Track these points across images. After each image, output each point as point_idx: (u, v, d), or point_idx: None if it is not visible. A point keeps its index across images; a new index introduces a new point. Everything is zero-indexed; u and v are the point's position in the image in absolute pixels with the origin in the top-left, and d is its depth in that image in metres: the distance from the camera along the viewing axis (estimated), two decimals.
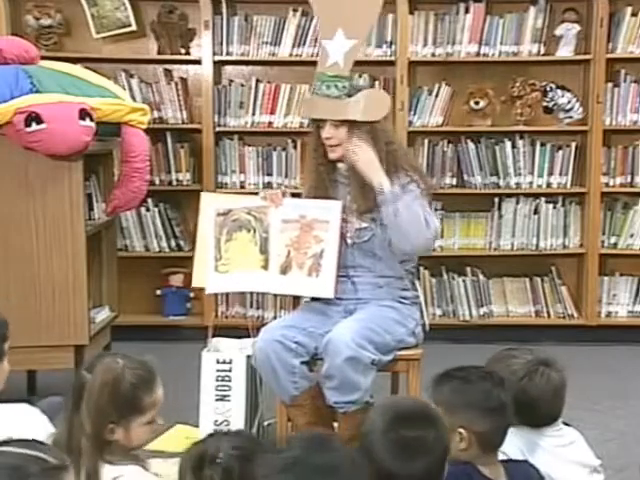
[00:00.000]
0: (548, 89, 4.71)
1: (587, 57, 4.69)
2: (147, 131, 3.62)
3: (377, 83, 4.70)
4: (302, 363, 2.82)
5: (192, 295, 4.82)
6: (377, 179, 2.82)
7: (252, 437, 1.79)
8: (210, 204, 3.07)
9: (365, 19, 2.97)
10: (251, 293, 4.76)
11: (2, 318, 2.36)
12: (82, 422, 1.92)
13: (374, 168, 2.83)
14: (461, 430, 1.92)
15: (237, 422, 3.04)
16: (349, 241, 2.93)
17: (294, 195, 3.12)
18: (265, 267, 2.97)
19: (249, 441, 1.72)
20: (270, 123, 4.77)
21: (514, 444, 2.11)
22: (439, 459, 1.72)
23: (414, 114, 4.74)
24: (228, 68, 4.93)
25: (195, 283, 3.14)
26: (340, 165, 3.00)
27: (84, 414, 1.92)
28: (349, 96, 2.89)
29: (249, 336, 3.13)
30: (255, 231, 2.99)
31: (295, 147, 4.79)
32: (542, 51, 4.74)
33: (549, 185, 4.81)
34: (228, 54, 4.74)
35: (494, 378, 2.00)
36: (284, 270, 2.94)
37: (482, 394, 1.95)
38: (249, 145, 4.83)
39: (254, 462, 1.60)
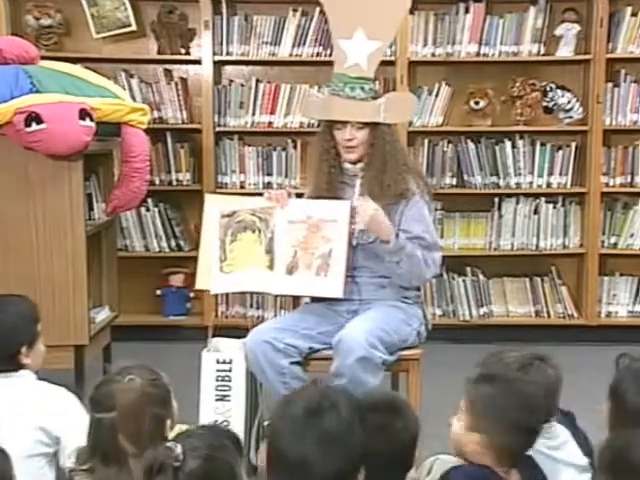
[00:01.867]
0: (548, 89, 4.70)
1: (587, 57, 4.69)
2: (147, 131, 3.62)
3: (377, 83, 4.69)
4: (293, 364, 2.82)
5: (192, 295, 4.82)
6: (385, 233, 2.85)
7: (217, 433, 1.74)
8: (214, 206, 3.06)
9: (390, 20, 2.95)
10: (251, 293, 4.76)
11: (31, 301, 2.48)
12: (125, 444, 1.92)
13: (380, 222, 2.84)
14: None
15: (237, 422, 3.03)
16: (353, 242, 2.94)
17: (297, 195, 3.12)
18: (270, 267, 2.97)
19: (211, 439, 1.69)
20: (270, 123, 4.77)
21: None
22: (406, 447, 1.75)
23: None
24: (228, 68, 4.93)
25: (199, 285, 3.14)
26: (348, 166, 3.00)
27: (134, 436, 1.92)
28: (374, 98, 2.90)
29: None
30: (260, 232, 2.99)
31: (295, 147, 4.79)
32: (542, 51, 4.73)
33: (549, 185, 4.81)
34: (228, 54, 4.74)
35: None
36: (290, 270, 2.94)
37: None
38: (249, 145, 4.83)
39: (218, 460, 1.62)
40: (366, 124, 2.90)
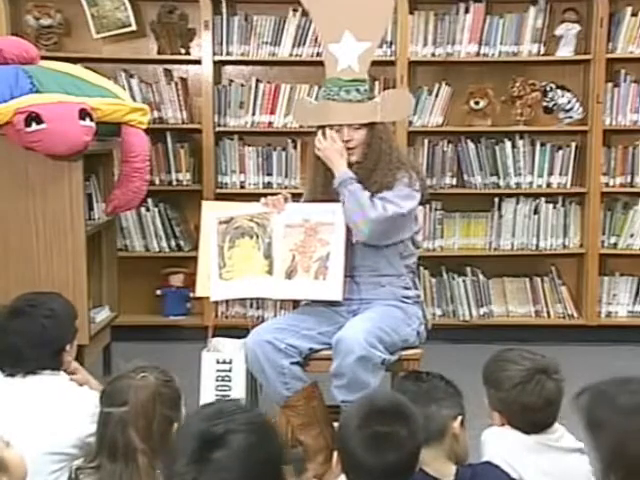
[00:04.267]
0: (548, 89, 4.71)
1: (587, 57, 4.69)
2: (147, 131, 3.62)
3: (377, 83, 4.70)
4: (293, 364, 2.82)
5: (192, 295, 4.81)
6: (336, 166, 2.89)
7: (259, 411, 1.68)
8: (211, 213, 3.07)
9: (377, 20, 2.95)
10: (252, 299, 4.76)
11: (65, 297, 2.54)
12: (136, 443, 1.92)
13: (337, 159, 2.88)
14: None
15: None
16: (353, 239, 2.94)
17: (294, 196, 3.12)
18: (270, 272, 2.97)
19: (257, 416, 1.58)
20: (270, 123, 4.77)
21: (506, 445, 2.13)
22: (410, 455, 1.75)
23: (414, 114, 4.74)
24: (228, 68, 4.93)
25: (199, 293, 3.15)
26: None
27: (144, 432, 1.92)
28: (370, 99, 2.91)
29: None
30: (258, 237, 3.00)
31: (295, 147, 4.79)
32: (542, 51, 4.73)
33: (549, 185, 4.81)
34: (228, 54, 4.74)
35: None
36: (289, 275, 2.94)
37: None
38: (249, 145, 4.83)
39: (270, 436, 1.54)
40: (364, 124, 2.90)
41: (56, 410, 2.24)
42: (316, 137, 2.98)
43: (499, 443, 2.15)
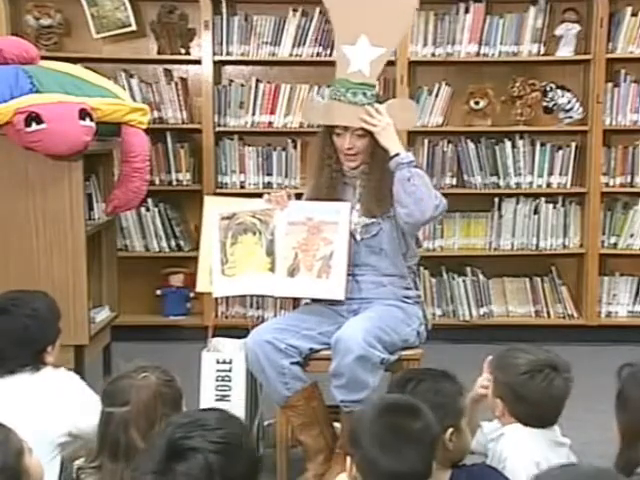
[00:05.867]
0: (548, 89, 4.71)
1: (587, 57, 4.69)
2: (147, 131, 3.62)
3: (377, 83, 4.69)
4: (293, 364, 2.82)
5: (192, 295, 4.82)
6: (394, 145, 2.85)
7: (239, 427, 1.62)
8: (214, 208, 3.06)
9: (394, 28, 2.94)
10: (253, 296, 4.76)
11: (51, 297, 2.51)
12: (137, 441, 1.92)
13: (391, 135, 2.85)
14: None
15: None
16: (358, 237, 2.94)
17: (296, 195, 3.11)
18: (272, 270, 2.97)
19: (233, 433, 1.57)
20: (270, 123, 4.77)
21: (507, 440, 2.14)
22: (426, 450, 1.73)
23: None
24: (228, 68, 4.93)
25: (200, 288, 3.15)
26: (348, 169, 3.00)
27: (146, 432, 1.91)
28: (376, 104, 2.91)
29: None
30: (261, 234, 2.99)
31: (295, 147, 4.79)
32: (542, 51, 4.74)
33: (549, 185, 4.81)
34: (228, 54, 4.74)
35: None
36: (291, 272, 2.94)
37: None
38: (249, 145, 4.83)
39: (238, 458, 1.52)
40: (367, 132, 2.90)
41: (40, 405, 2.26)
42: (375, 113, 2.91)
43: (523, 441, 2.14)
